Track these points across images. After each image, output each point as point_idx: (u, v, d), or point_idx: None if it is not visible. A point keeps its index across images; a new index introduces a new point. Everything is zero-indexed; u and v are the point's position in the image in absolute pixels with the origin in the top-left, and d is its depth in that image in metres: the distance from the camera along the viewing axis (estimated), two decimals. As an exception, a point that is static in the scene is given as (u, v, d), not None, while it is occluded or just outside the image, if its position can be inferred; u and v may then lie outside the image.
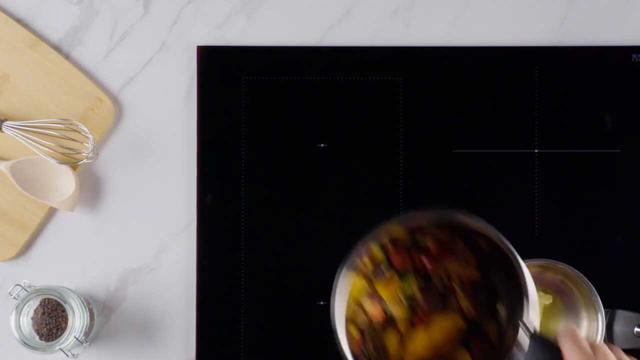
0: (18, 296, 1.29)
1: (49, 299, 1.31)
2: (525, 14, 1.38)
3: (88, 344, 1.34)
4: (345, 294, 1.07)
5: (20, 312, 1.29)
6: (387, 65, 1.36)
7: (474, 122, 1.36)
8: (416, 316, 1.07)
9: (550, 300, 1.31)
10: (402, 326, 1.07)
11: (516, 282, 1.02)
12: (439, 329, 1.07)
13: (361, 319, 1.08)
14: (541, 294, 1.31)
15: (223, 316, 1.35)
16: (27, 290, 1.29)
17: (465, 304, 1.07)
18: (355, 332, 1.08)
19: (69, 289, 1.31)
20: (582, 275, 1.29)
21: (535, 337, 0.99)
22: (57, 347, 1.29)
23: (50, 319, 1.32)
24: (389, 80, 1.35)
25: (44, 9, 1.38)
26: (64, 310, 1.31)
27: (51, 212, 1.37)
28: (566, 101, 1.36)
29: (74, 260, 1.37)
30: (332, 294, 1.07)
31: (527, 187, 1.36)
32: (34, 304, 1.31)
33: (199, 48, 1.37)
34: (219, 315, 1.35)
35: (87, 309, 1.31)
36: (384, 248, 1.09)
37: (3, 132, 1.34)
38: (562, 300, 1.32)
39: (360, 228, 1.11)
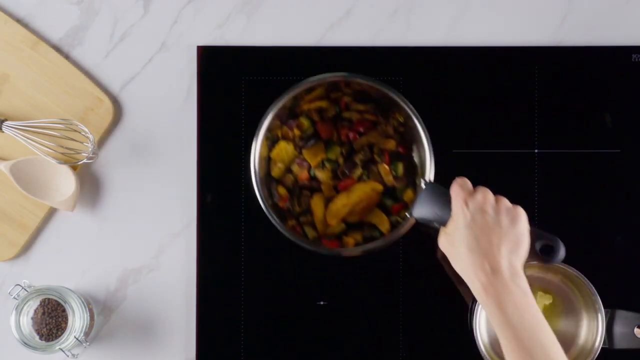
0: (18, 296, 1.29)
1: (49, 299, 1.31)
2: (525, 14, 1.38)
3: (88, 344, 1.34)
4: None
5: (20, 312, 1.29)
6: (387, 65, 1.36)
7: (474, 122, 1.36)
8: (340, 183, 1.27)
9: (550, 300, 1.31)
10: (326, 191, 1.27)
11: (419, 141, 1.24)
12: (359, 193, 1.27)
13: (289, 180, 1.27)
14: (541, 294, 1.31)
15: (223, 316, 1.35)
16: (27, 290, 1.29)
17: (384, 170, 1.27)
18: (283, 192, 1.27)
19: (69, 289, 1.31)
20: (582, 275, 1.29)
21: (429, 184, 1.21)
22: (57, 347, 1.29)
23: (50, 319, 1.32)
24: (389, 80, 1.35)
25: (44, 9, 1.38)
26: (64, 310, 1.31)
27: (51, 212, 1.37)
28: (566, 101, 1.36)
29: (74, 260, 1.37)
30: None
31: (527, 187, 1.36)
32: (34, 304, 1.31)
33: (199, 48, 1.37)
34: (219, 315, 1.35)
35: (87, 309, 1.31)
36: (311, 119, 1.26)
37: (3, 132, 1.34)
38: (562, 300, 1.32)
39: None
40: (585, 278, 1.28)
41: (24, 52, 1.36)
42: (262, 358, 1.35)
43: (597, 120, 1.36)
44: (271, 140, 1.28)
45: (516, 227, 1.17)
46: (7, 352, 1.35)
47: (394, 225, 1.28)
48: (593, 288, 1.28)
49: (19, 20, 1.38)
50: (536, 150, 1.35)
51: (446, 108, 1.36)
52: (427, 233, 1.24)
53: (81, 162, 1.32)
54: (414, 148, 1.27)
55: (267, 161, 1.29)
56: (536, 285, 1.32)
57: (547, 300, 1.31)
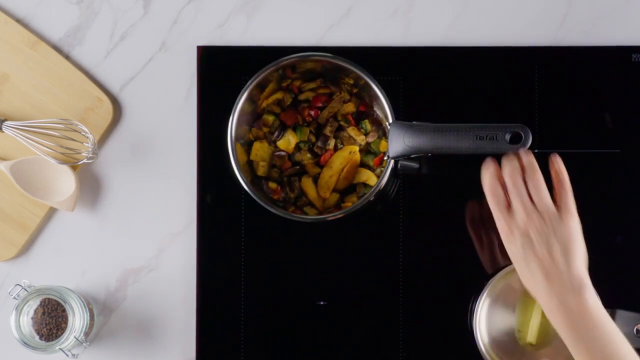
0: (18, 296, 1.29)
1: (49, 299, 1.31)
2: (525, 14, 1.38)
3: (88, 344, 1.34)
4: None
5: (20, 312, 1.29)
6: (387, 65, 1.36)
7: (474, 122, 1.36)
8: (320, 158, 1.33)
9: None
10: (311, 170, 1.32)
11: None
12: (340, 161, 1.31)
13: (275, 173, 1.32)
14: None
15: (223, 316, 1.35)
16: (27, 290, 1.29)
17: (354, 132, 1.32)
18: (274, 186, 1.32)
19: (69, 289, 1.31)
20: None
21: (392, 123, 1.27)
22: (57, 347, 1.29)
23: (50, 319, 1.32)
24: (389, 80, 1.35)
25: (44, 9, 1.38)
26: (64, 310, 1.31)
27: (51, 212, 1.37)
28: (566, 101, 1.36)
29: (74, 260, 1.37)
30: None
31: (527, 187, 1.36)
32: (34, 304, 1.31)
33: (199, 48, 1.37)
34: (219, 315, 1.35)
35: (87, 309, 1.31)
36: (273, 113, 1.32)
37: (3, 132, 1.34)
38: (562, 300, 1.32)
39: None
40: (585, 278, 1.29)
41: (24, 52, 1.36)
42: (262, 358, 1.35)
43: (597, 120, 1.36)
44: (246, 145, 1.32)
45: (565, 227, 1.18)
46: (7, 352, 1.35)
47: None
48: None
49: (19, 20, 1.38)
50: (536, 150, 1.35)
51: (446, 108, 1.36)
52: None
53: (81, 162, 1.32)
54: (373, 102, 1.32)
55: (249, 164, 1.32)
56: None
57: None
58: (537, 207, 1.19)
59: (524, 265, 1.18)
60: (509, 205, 1.21)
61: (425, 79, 1.37)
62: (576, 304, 1.15)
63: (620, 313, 1.29)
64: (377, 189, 1.27)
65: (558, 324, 1.16)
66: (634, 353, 1.15)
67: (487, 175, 1.23)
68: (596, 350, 1.12)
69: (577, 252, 1.18)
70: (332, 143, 1.32)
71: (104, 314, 1.36)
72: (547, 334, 1.31)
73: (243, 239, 1.36)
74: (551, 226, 1.17)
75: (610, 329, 1.14)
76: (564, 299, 1.15)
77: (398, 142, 1.27)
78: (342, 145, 1.32)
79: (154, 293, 1.36)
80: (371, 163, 1.33)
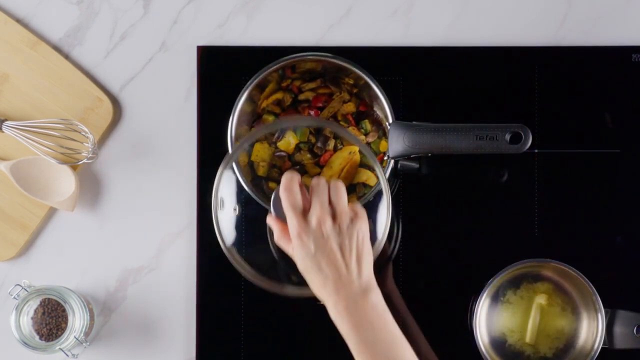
0: (18, 296, 1.29)
1: (49, 299, 1.31)
2: (525, 14, 1.38)
3: (88, 344, 1.34)
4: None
5: (20, 312, 1.29)
6: (387, 65, 1.36)
7: (473, 122, 1.36)
8: (320, 158, 1.32)
9: (543, 300, 1.31)
10: (311, 170, 1.32)
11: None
12: (340, 161, 1.31)
13: (275, 174, 1.32)
14: (538, 295, 1.31)
15: (223, 316, 1.35)
16: (27, 290, 1.29)
17: (354, 133, 1.32)
18: (274, 186, 1.31)
19: (69, 289, 1.31)
20: (582, 275, 1.29)
21: (392, 124, 1.28)
22: (57, 347, 1.29)
23: (50, 319, 1.32)
24: (389, 80, 1.35)
25: (44, 9, 1.38)
26: (64, 310, 1.31)
27: (51, 212, 1.37)
28: (566, 101, 1.36)
29: (74, 260, 1.37)
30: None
31: (527, 187, 1.36)
32: (34, 304, 1.31)
33: (199, 48, 1.37)
34: (219, 315, 1.35)
35: (87, 309, 1.31)
36: (273, 113, 1.32)
37: (3, 132, 1.34)
38: (562, 301, 1.32)
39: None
40: (585, 278, 1.29)
41: (24, 52, 1.36)
42: (262, 358, 1.35)
43: (597, 120, 1.36)
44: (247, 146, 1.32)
45: (358, 231, 1.16)
46: (7, 352, 1.35)
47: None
48: (593, 288, 1.28)
49: (19, 20, 1.38)
50: (536, 150, 1.35)
51: (446, 108, 1.36)
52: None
53: (81, 162, 1.32)
54: (373, 102, 1.32)
55: (250, 165, 1.32)
56: (534, 286, 1.32)
57: (541, 299, 1.31)
58: (334, 208, 1.17)
59: (315, 266, 1.16)
60: (303, 211, 1.17)
61: (425, 79, 1.37)
62: (363, 306, 1.14)
63: (620, 313, 1.29)
64: (377, 189, 1.27)
65: (344, 326, 1.15)
66: (413, 355, 1.14)
67: (288, 177, 1.18)
68: (379, 353, 1.13)
69: (367, 254, 1.17)
70: (332, 143, 1.32)
71: (104, 314, 1.36)
72: (546, 335, 1.31)
73: (243, 239, 1.36)
74: (345, 227, 1.16)
75: (394, 331, 1.14)
76: (353, 301, 1.14)
77: (398, 142, 1.27)
78: (341, 146, 1.33)
79: (154, 293, 1.36)
80: (371, 163, 1.33)
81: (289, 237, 1.17)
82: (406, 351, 1.14)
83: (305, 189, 1.18)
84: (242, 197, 1.35)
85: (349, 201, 1.29)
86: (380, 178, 1.21)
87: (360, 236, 1.16)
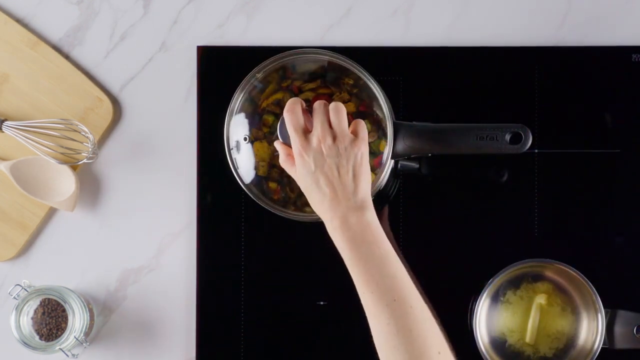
0: (18, 296, 1.29)
1: (49, 299, 1.31)
2: (525, 14, 1.38)
3: (88, 344, 1.34)
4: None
5: (20, 312, 1.29)
6: (387, 65, 1.36)
7: (474, 122, 1.36)
8: None
9: (543, 300, 1.31)
10: None
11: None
12: None
13: (275, 173, 1.31)
14: (538, 295, 1.31)
15: (223, 316, 1.35)
16: (27, 290, 1.29)
17: None
18: (274, 186, 1.31)
19: (69, 289, 1.31)
20: (582, 275, 1.29)
21: (393, 124, 1.27)
22: (57, 347, 1.29)
23: (50, 319, 1.32)
24: (389, 80, 1.35)
25: (44, 9, 1.38)
26: (64, 310, 1.31)
27: (51, 212, 1.37)
28: (566, 101, 1.36)
29: (74, 260, 1.37)
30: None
31: (527, 187, 1.36)
32: (34, 304, 1.31)
33: (199, 48, 1.37)
34: (219, 315, 1.35)
35: (87, 309, 1.31)
36: (273, 113, 1.30)
37: (3, 132, 1.34)
38: (562, 300, 1.32)
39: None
40: (585, 278, 1.29)
41: (24, 52, 1.36)
42: (262, 358, 1.35)
43: (597, 120, 1.36)
44: None
45: (356, 151, 1.20)
46: (7, 352, 1.35)
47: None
48: (593, 288, 1.28)
49: (19, 20, 1.38)
50: (536, 150, 1.35)
51: (446, 108, 1.36)
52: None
53: (81, 162, 1.32)
54: (373, 102, 1.31)
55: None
56: (534, 286, 1.32)
57: (541, 299, 1.31)
58: (334, 129, 1.21)
59: (314, 182, 1.20)
60: (306, 130, 1.22)
61: (425, 79, 1.37)
62: (358, 223, 1.18)
63: (620, 313, 1.29)
64: (377, 189, 1.27)
65: (339, 242, 1.18)
66: (404, 271, 1.17)
67: (292, 100, 1.23)
68: (372, 267, 1.16)
69: (364, 175, 1.21)
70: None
71: (104, 314, 1.36)
72: (546, 335, 1.31)
73: (243, 239, 1.36)
74: (344, 148, 1.20)
75: (387, 247, 1.18)
76: (348, 217, 1.18)
77: (398, 142, 1.27)
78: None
79: (154, 293, 1.36)
80: (371, 163, 1.33)
81: (294, 161, 1.22)
82: (398, 267, 1.17)
83: (309, 114, 1.23)
84: (242, 197, 1.35)
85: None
86: (383, 105, 1.26)
87: (358, 157, 1.21)
